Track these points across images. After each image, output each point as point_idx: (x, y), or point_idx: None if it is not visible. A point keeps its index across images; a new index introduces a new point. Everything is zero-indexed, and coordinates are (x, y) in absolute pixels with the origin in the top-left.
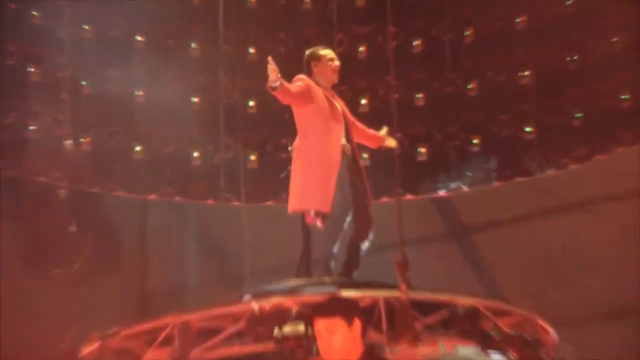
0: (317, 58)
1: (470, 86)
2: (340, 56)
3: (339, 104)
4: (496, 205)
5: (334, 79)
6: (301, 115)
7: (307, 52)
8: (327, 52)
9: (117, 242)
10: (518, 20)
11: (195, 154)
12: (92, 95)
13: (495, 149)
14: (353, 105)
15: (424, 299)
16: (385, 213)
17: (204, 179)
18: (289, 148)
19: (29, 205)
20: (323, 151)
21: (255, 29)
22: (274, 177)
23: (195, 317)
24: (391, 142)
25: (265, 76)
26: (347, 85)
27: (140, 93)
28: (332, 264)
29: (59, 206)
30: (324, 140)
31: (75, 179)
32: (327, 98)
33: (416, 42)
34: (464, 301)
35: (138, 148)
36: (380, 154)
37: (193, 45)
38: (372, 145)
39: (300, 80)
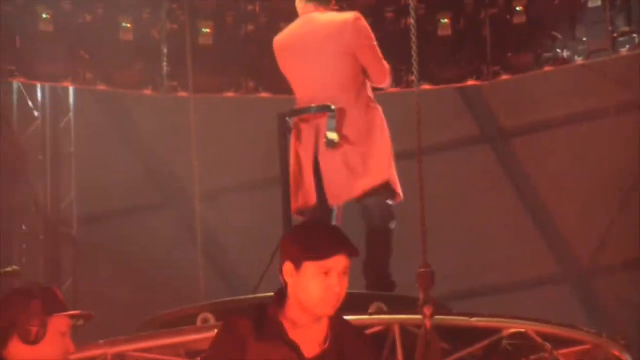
0: None
1: None
2: None
3: None
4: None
5: None
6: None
7: None
8: None
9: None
10: None
11: (125, 25)
12: None
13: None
14: None
15: (456, 324)
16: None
17: (137, 59)
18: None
19: None
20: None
21: None
22: (235, 58)
23: (133, 348)
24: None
25: None
26: None
27: None
28: None
29: None
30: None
31: None
32: None
33: None
34: (512, 326)
35: (45, 16)
36: None
37: None
38: None
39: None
